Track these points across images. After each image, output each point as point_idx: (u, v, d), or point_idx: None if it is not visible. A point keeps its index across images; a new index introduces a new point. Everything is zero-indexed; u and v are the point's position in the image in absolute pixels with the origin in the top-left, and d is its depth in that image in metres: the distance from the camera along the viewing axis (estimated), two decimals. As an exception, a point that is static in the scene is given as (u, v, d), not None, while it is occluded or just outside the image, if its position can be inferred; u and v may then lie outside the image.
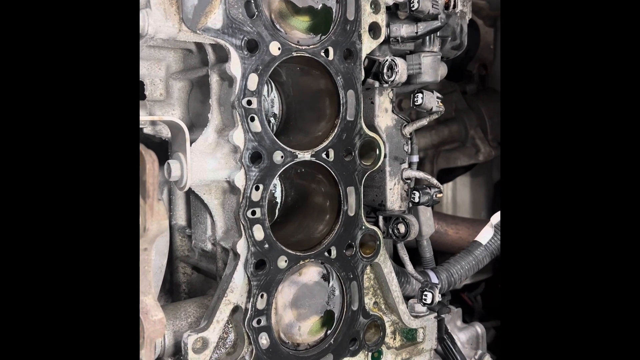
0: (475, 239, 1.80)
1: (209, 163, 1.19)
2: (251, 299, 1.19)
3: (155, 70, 1.36)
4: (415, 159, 1.63)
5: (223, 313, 1.18)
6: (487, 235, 1.79)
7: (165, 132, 1.34)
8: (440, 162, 2.62)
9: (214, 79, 1.23)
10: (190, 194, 1.41)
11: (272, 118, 1.47)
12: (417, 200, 1.47)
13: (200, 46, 1.27)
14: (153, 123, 1.32)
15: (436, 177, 2.67)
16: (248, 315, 1.19)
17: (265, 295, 1.21)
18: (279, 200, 1.50)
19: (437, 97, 1.44)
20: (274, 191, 1.48)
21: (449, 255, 2.46)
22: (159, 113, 1.37)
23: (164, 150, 1.37)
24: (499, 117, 2.63)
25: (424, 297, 1.47)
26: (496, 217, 1.81)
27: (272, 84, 1.44)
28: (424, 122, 1.50)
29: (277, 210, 1.49)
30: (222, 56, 1.18)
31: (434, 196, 1.48)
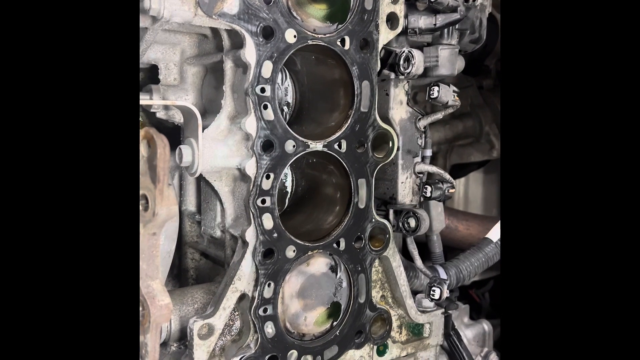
0: (486, 235, 1.78)
1: (221, 150, 1.18)
2: (258, 288, 1.19)
3: (170, 55, 1.35)
4: (429, 152, 1.61)
5: (230, 300, 1.18)
6: (498, 232, 1.77)
7: (178, 117, 1.34)
8: (454, 157, 2.60)
9: (228, 65, 1.22)
10: (200, 180, 1.41)
11: (286, 107, 1.46)
12: (428, 194, 1.45)
13: (215, 31, 1.26)
14: (166, 108, 1.32)
15: (449, 172, 2.65)
16: (254, 304, 1.19)
17: (272, 284, 1.21)
18: (289, 189, 1.49)
19: (454, 91, 1.42)
20: (284, 180, 1.47)
21: (459, 251, 2.45)
22: (172, 98, 1.36)
23: (176, 135, 1.37)
24: (515, 113, 2.60)
25: (431, 292, 1.46)
26: (508, 215, 1.79)
27: (287, 72, 1.42)
28: (439, 115, 1.48)
29: (287, 200, 1.48)
30: (237, 42, 1.17)
31: (447, 191, 1.46)
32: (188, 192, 1.46)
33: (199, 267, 1.49)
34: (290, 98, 1.45)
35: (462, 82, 2.58)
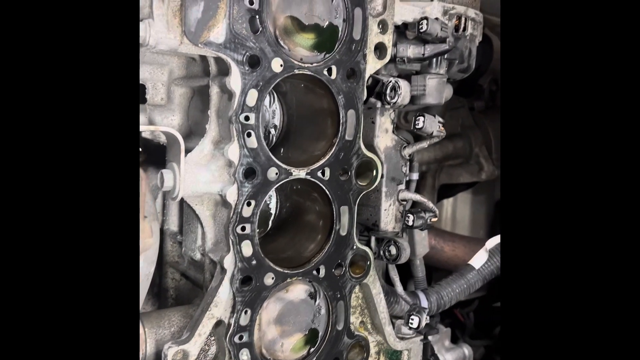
0: (469, 262, 1.79)
1: (203, 175, 1.19)
2: (235, 315, 1.19)
3: (157, 75, 1.35)
4: (415, 177, 1.62)
5: (205, 327, 1.18)
6: (480, 259, 1.78)
7: (164, 137, 1.34)
8: (443, 177, 2.61)
9: (214, 91, 1.22)
10: (183, 202, 1.41)
11: (273, 129, 1.46)
12: (410, 223, 1.46)
13: (203, 56, 1.26)
14: (151, 128, 1.32)
15: (437, 192, 2.66)
16: (230, 331, 1.19)
17: (249, 311, 1.21)
18: (273, 211, 1.49)
19: (439, 122, 1.43)
20: (269, 202, 1.48)
21: (444, 271, 2.46)
22: (159, 118, 1.36)
23: (161, 154, 1.37)
24: (505, 136, 2.61)
25: (410, 321, 1.47)
26: (491, 242, 1.80)
27: (275, 95, 1.43)
28: (424, 144, 1.49)
29: (270, 222, 1.49)
30: (224, 69, 1.18)
31: (428, 220, 1.47)
32: (171, 211, 1.46)
33: (179, 287, 1.49)
34: (277, 121, 1.46)
35: (453, 103, 2.59)
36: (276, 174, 1.22)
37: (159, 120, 1.35)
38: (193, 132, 1.37)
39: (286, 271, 1.26)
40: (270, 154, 1.21)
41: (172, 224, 1.46)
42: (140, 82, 1.34)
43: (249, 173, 1.18)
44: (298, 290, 1.31)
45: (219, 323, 1.20)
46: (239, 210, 1.17)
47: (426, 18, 1.37)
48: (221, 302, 1.19)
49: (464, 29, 1.48)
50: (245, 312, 1.20)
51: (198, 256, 1.34)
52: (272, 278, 1.23)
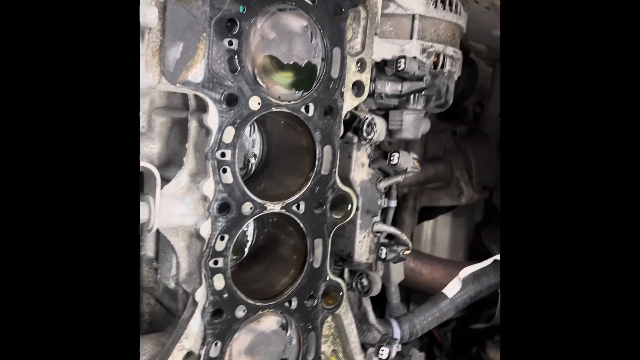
0: (442, 291, 1.83)
1: (178, 208, 1.21)
2: (205, 346, 1.21)
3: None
4: (393, 204, 1.66)
5: (175, 358, 1.20)
6: (454, 288, 1.82)
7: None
8: (423, 200, 2.64)
9: (193, 125, 1.24)
10: (159, 230, 1.43)
11: (252, 158, 1.49)
12: (383, 256, 1.49)
13: (183, 89, 1.28)
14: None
15: (418, 215, 2.70)
16: (200, 363, 1.21)
17: (219, 343, 1.23)
18: (250, 239, 1.52)
19: (413, 158, 1.46)
20: (246, 230, 1.50)
21: (422, 293, 2.49)
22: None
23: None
24: (486, 161, 2.65)
25: (380, 352, 1.49)
26: (465, 271, 1.84)
27: (256, 125, 1.45)
28: (399, 179, 1.52)
29: (246, 249, 1.51)
30: (202, 105, 1.20)
31: (401, 254, 1.50)
32: (147, 237, 1.47)
33: (154, 312, 1.51)
34: (257, 150, 1.48)
35: (436, 127, 2.63)
36: (251, 208, 1.24)
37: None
38: (172, 161, 1.39)
39: (258, 303, 1.28)
40: (246, 188, 1.23)
41: (149, 250, 1.48)
42: (121, 110, 1.36)
43: (223, 208, 1.20)
44: (270, 322, 1.33)
45: (189, 354, 1.22)
46: (212, 244, 1.20)
47: (404, 57, 1.41)
48: (192, 334, 1.21)
49: (442, 66, 1.52)
50: (216, 344, 1.23)
51: (172, 285, 1.36)
52: (244, 311, 1.26)
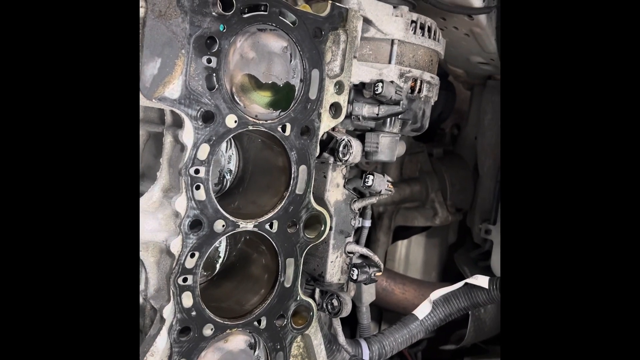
0: (413, 312, 1.83)
1: (149, 223, 1.19)
2: (170, 365, 1.19)
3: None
4: (368, 224, 1.66)
5: (140, 376, 1.18)
6: (424, 310, 1.82)
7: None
8: (398, 219, 2.67)
9: (168, 140, 1.24)
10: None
11: (228, 174, 1.49)
12: (355, 277, 1.49)
13: (159, 104, 1.28)
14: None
15: (392, 234, 2.72)
16: (165, 381, 1.19)
17: (185, 362, 1.21)
18: (222, 255, 1.51)
19: (388, 181, 1.48)
20: (218, 246, 1.49)
21: (393, 313, 2.50)
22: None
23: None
24: (461, 184, 2.69)
25: (348, 373, 1.49)
26: (436, 294, 1.85)
27: (232, 141, 1.45)
28: (373, 200, 1.53)
29: (217, 265, 1.50)
30: (178, 120, 1.19)
31: (372, 275, 1.50)
32: (117, 251, 1.45)
33: (120, 327, 1.48)
34: (233, 166, 1.48)
35: (413, 148, 2.67)
36: (223, 226, 1.23)
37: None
38: (145, 174, 1.38)
39: (226, 322, 1.27)
40: (218, 206, 1.23)
41: (118, 264, 1.45)
42: (96, 121, 1.34)
43: (195, 225, 1.20)
44: (237, 341, 1.32)
45: (153, 372, 1.20)
46: (182, 261, 1.19)
47: (382, 81, 1.43)
48: (158, 352, 1.19)
49: (419, 91, 1.55)
50: (181, 363, 1.21)
51: (140, 300, 1.34)
52: (212, 329, 1.24)
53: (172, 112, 1.21)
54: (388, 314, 2.67)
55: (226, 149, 1.47)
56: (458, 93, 2.96)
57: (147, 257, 1.26)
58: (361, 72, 1.46)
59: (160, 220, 1.21)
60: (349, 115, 1.49)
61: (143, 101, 1.11)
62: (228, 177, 1.49)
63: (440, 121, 2.91)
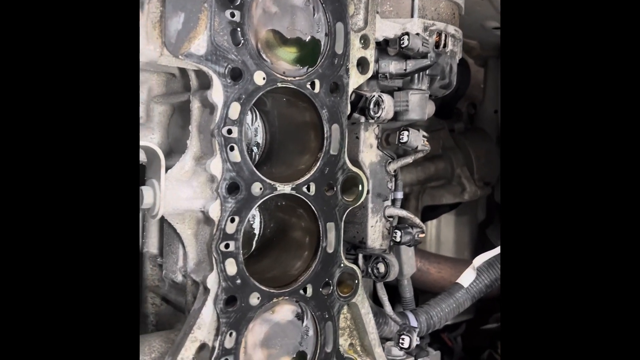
0: (457, 281, 1.76)
1: (184, 191, 1.14)
2: (219, 337, 1.13)
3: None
4: (400, 195, 1.60)
5: (188, 351, 1.11)
6: (468, 277, 1.75)
7: (143, 156, 1.30)
8: (425, 199, 2.60)
9: (195, 105, 1.19)
10: (163, 222, 1.36)
11: (255, 147, 1.44)
12: (398, 239, 1.43)
13: (183, 71, 1.24)
14: (130, 146, 1.28)
15: (421, 214, 2.65)
16: (215, 355, 1.13)
17: (234, 333, 1.15)
18: (257, 231, 1.45)
19: (424, 136, 1.42)
20: (252, 222, 1.43)
21: (430, 294, 2.42)
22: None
23: (141, 174, 1.32)
24: (486, 157, 2.63)
25: (401, 341, 1.42)
26: (478, 260, 1.78)
27: (257, 112, 1.41)
28: (409, 159, 1.47)
29: (254, 242, 1.44)
30: (205, 83, 1.15)
31: (416, 236, 1.44)
32: (150, 233, 1.40)
33: (160, 312, 1.42)
34: (260, 138, 1.43)
35: (433, 125, 2.61)
36: (260, 189, 1.18)
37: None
38: (173, 150, 1.33)
39: (272, 290, 1.21)
40: (254, 168, 1.17)
41: (152, 246, 1.40)
42: (119, 100, 1.30)
43: (232, 188, 1.14)
44: (285, 311, 1.26)
45: (202, 347, 1.14)
46: (222, 226, 1.13)
47: (407, 33, 1.38)
48: (204, 324, 1.13)
49: (445, 45, 1.49)
50: (230, 335, 1.15)
51: (179, 278, 1.28)
52: (258, 298, 1.18)
53: (198, 74, 1.17)
54: (424, 297, 2.59)
55: (252, 122, 1.42)
56: (472, 72, 2.90)
57: (184, 229, 1.21)
58: (384, 28, 1.41)
59: (195, 188, 1.16)
60: (374, 76, 1.44)
61: (169, 60, 1.07)
62: (256, 150, 1.44)
63: (457, 98, 2.85)
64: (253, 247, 1.44)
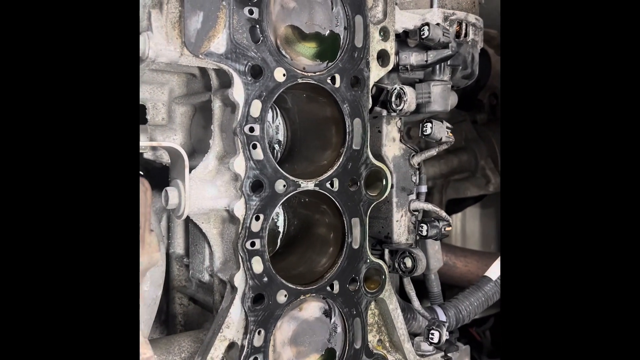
0: (485, 274, 1.73)
1: (209, 191, 1.14)
2: (248, 336, 1.13)
3: (157, 94, 1.33)
4: (424, 189, 1.58)
5: (218, 350, 1.11)
6: (497, 270, 1.72)
7: (166, 158, 1.31)
8: (450, 192, 2.57)
9: (217, 105, 1.19)
10: (189, 222, 1.36)
11: (277, 145, 1.43)
12: (424, 233, 1.41)
13: (203, 71, 1.24)
14: (153, 148, 1.29)
15: (445, 208, 2.61)
16: (244, 353, 1.13)
17: (262, 331, 1.15)
18: (281, 229, 1.45)
19: (447, 127, 1.40)
20: (276, 220, 1.43)
21: (457, 288, 2.39)
22: (160, 138, 1.33)
23: (165, 175, 1.33)
24: (510, 147, 2.58)
25: (430, 336, 1.40)
26: (507, 252, 1.74)
27: (277, 110, 1.40)
28: (433, 152, 1.45)
29: (279, 240, 1.44)
30: (226, 81, 1.15)
31: (443, 229, 1.42)
32: (176, 234, 1.41)
33: (188, 312, 1.43)
34: (281, 136, 1.43)
35: (455, 117, 2.57)
36: (284, 186, 1.18)
37: (161, 140, 1.32)
38: (196, 150, 1.34)
39: (299, 288, 1.20)
40: (277, 166, 1.17)
41: (178, 247, 1.41)
42: (141, 102, 1.31)
43: (256, 186, 1.14)
44: (312, 308, 1.25)
45: (231, 345, 1.14)
46: (248, 224, 1.13)
47: (427, 24, 1.35)
48: (233, 323, 1.13)
49: (465, 35, 1.47)
50: (259, 333, 1.15)
51: (206, 277, 1.29)
52: (285, 295, 1.18)
53: (218, 73, 1.17)
54: (451, 292, 2.56)
55: (273, 119, 1.41)
56: (493, 62, 2.85)
57: (210, 229, 1.21)
58: (404, 19, 1.39)
59: (219, 187, 1.16)
60: (395, 68, 1.42)
61: (190, 59, 1.07)
62: (277, 148, 1.44)
63: (478, 89, 2.81)
64: (278, 245, 1.44)
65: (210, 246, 1.23)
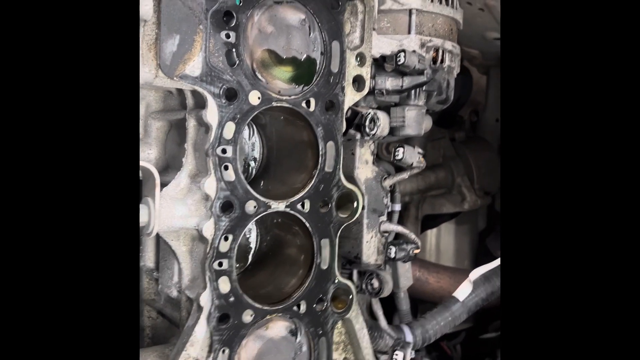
0: (453, 294, 1.76)
1: (179, 209, 1.16)
2: (212, 354, 1.15)
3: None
4: (398, 207, 1.61)
5: (181, 368, 1.13)
6: (465, 290, 1.75)
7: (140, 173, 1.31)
8: (426, 208, 2.60)
9: (191, 124, 1.21)
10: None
11: (252, 161, 1.45)
12: (393, 255, 1.44)
13: (180, 89, 1.25)
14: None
15: (421, 223, 2.65)
16: (207, 372, 1.14)
17: (227, 350, 1.17)
18: (253, 245, 1.46)
19: (419, 152, 1.43)
20: (248, 236, 1.45)
21: (430, 303, 2.42)
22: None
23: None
24: (487, 166, 2.62)
25: (395, 356, 1.43)
26: (475, 273, 1.78)
27: (255, 127, 1.42)
28: (405, 175, 1.48)
29: (250, 256, 1.46)
30: (200, 102, 1.16)
31: (411, 252, 1.45)
32: (147, 247, 1.42)
33: (156, 325, 1.44)
34: (257, 153, 1.44)
35: (434, 134, 2.61)
36: (254, 207, 1.19)
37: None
38: (170, 165, 1.35)
39: (265, 307, 1.22)
40: (248, 186, 1.19)
41: (149, 260, 1.42)
42: (117, 115, 1.32)
43: (226, 207, 1.16)
44: (278, 327, 1.27)
45: (195, 363, 1.15)
46: (216, 245, 1.14)
47: (404, 51, 1.38)
48: (197, 342, 1.14)
49: (442, 61, 1.50)
50: (223, 352, 1.16)
51: (174, 293, 1.30)
52: (251, 315, 1.20)
53: (194, 93, 1.18)
54: (423, 306, 2.59)
55: (249, 136, 1.43)
56: (475, 79, 2.90)
57: (179, 246, 1.22)
58: (381, 45, 1.41)
59: (189, 206, 1.17)
60: (371, 91, 1.45)
61: (164, 81, 1.09)
62: (253, 164, 1.46)
63: (458, 106, 2.85)
64: (249, 261, 1.46)
65: (179, 263, 1.24)
